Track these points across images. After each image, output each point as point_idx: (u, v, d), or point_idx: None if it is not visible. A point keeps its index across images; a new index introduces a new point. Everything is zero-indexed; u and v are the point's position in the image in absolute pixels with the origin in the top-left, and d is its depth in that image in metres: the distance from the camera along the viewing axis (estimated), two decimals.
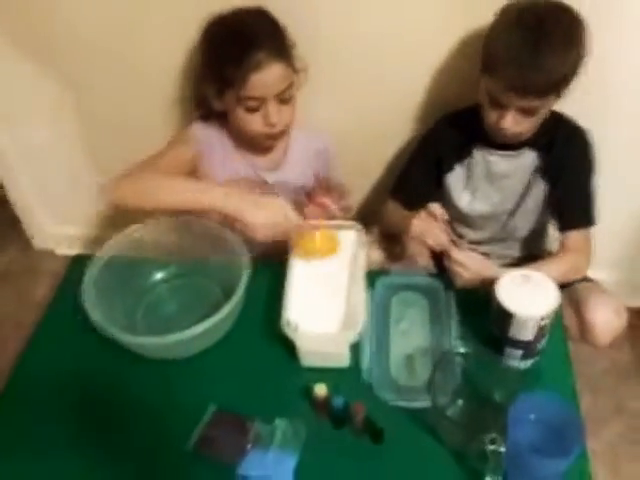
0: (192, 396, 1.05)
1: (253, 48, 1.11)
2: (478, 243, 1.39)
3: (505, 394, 0.95)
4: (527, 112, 1.13)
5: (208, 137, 1.27)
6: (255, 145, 1.28)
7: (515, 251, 1.41)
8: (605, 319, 1.21)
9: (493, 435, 0.87)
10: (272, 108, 1.16)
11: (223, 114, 1.25)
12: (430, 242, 1.11)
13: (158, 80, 1.42)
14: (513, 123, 1.14)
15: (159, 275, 1.23)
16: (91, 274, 1.10)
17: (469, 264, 1.12)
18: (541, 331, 1.00)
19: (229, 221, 1.09)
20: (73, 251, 1.88)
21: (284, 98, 1.17)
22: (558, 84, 1.10)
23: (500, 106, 1.13)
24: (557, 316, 1.03)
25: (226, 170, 1.29)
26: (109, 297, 1.10)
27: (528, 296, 1.00)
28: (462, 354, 0.99)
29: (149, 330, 1.14)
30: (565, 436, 0.85)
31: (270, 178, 1.33)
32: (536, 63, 1.06)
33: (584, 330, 1.23)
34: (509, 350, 1.04)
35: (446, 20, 1.27)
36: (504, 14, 1.13)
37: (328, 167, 1.41)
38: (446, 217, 1.16)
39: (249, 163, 1.31)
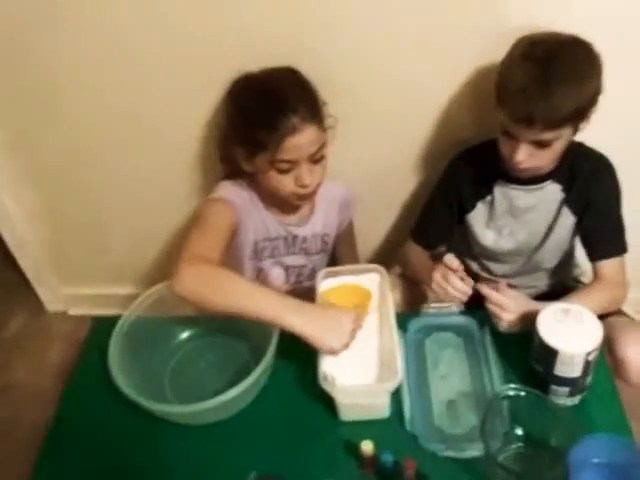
0: (230, 462, 1.00)
1: (287, 112, 1.10)
2: (505, 276, 1.36)
3: (559, 436, 0.91)
4: (540, 145, 1.10)
5: (242, 199, 1.24)
6: (285, 204, 1.26)
7: (543, 281, 1.38)
8: (637, 356, 1.16)
9: None
10: (305, 169, 1.15)
11: (249, 174, 1.23)
12: (457, 295, 1.11)
13: (179, 138, 1.41)
14: (526, 156, 1.11)
15: (185, 334, 1.20)
16: (116, 338, 1.08)
17: (508, 305, 1.09)
18: (588, 366, 0.97)
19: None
20: (86, 311, 1.85)
21: (316, 159, 1.16)
22: (568, 118, 1.07)
23: (513, 139, 1.12)
24: (600, 349, 0.99)
25: (258, 229, 1.28)
26: (135, 361, 1.08)
27: (571, 331, 0.97)
28: (509, 397, 0.95)
29: (178, 395, 1.10)
30: (632, 478, 0.81)
31: (299, 232, 1.32)
32: (543, 96, 1.03)
33: (616, 367, 1.18)
34: (555, 388, 1.00)
35: (457, 58, 1.27)
36: (516, 47, 1.12)
37: (350, 215, 1.41)
38: (462, 267, 1.14)
39: (279, 221, 1.29)
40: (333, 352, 1.00)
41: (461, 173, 1.30)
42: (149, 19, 1.23)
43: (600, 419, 1.01)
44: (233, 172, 1.26)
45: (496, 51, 1.16)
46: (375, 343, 1.10)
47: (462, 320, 1.17)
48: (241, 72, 1.19)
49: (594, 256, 1.23)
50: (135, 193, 1.56)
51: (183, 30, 1.24)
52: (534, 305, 1.10)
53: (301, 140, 1.11)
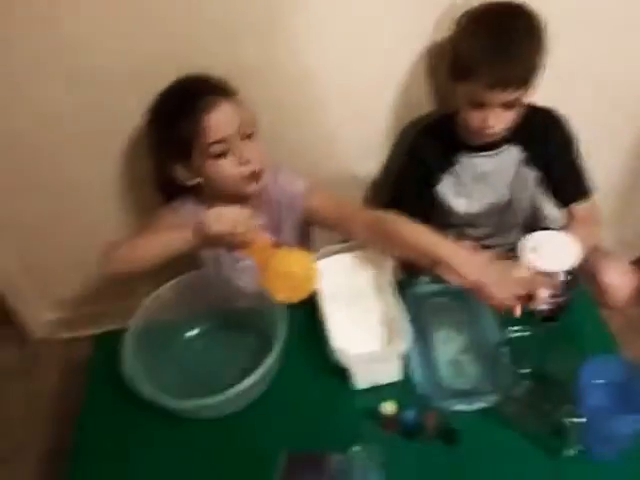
0: (260, 444, 1.04)
1: (197, 94, 1.13)
2: (481, 239, 1.43)
3: (561, 369, 0.99)
4: (508, 106, 1.18)
5: (188, 211, 1.25)
6: (239, 196, 1.22)
7: (517, 237, 1.44)
8: (619, 279, 1.27)
9: (568, 407, 0.89)
10: (240, 145, 1.15)
11: (193, 191, 1.24)
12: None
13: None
14: (497, 120, 1.19)
15: (192, 333, 1.23)
16: (127, 348, 1.09)
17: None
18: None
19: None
20: (73, 334, 1.83)
21: (247, 134, 1.16)
22: (533, 72, 1.16)
23: (483, 106, 1.18)
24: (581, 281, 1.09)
25: None
26: (148, 368, 1.08)
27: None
28: (512, 339, 1.02)
29: (194, 393, 1.10)
30: (635, 393, 0.88)
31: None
32: (512, 55, 1.12)
33: (600, 293, 1.29)
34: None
35: (400, 38, 1.33)
36: (463, 21, 1.20)
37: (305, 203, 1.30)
38: None
39: None
40: (209, 223, 1.03)
41: (424, 150, 1.36)
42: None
43: (593, 345, 1.08)
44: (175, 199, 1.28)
45: (444, 26, 1.24)
46: (378, 310, 1.15)
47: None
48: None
49: (566, 202, 1.33)
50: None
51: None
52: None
53: (220, 115, 1.12)
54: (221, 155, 1.15)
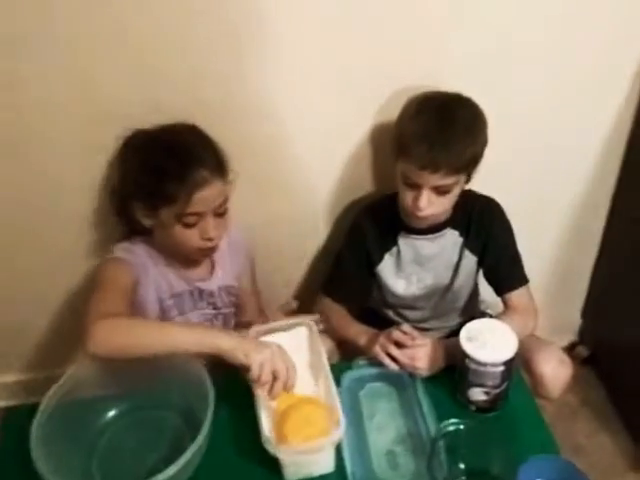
0: None
1: (198, 165, 1.11)
2: (419, 321, 1.42)
3: (498, 465, 0.96)
4: (440, 191, 1.19)
5: (138, 256, 1.22)
6: (187, 259, 1.26)
7: (455, 320, 1.46)
8: (554, 371, 1.27)
9: None
10: (210, 223, 1.15)
11: (146, 230, 1.21)
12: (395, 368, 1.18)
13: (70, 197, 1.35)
14: (428, 203, 1.20)
15: (110, 414, 1.13)
16: (37, 428, 0.98)
17: (418, 355, 1.16)
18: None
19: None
20: None
21: (221, 212, 1.17)
22: (467, 163, 1.19)
23: (415, 187, 1.20)
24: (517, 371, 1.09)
25: (160, 286, 1.25)
26: (60, 450, 0.99)
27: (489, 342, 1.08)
28: (449, 432, 0.99)
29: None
30: None
31: (205, 287, 1.30)
32: (444, 141, 1.14)
33: (535, 384, 1.28)
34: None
35: (356, 116, 1.35)
36: (410, 104, 1.24)
37: (251, 262, 1.40)
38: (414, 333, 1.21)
39: (181, 276, 1.27)
40: (248, 360, 1.00)
41: (365, 229, 1.36)
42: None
43: (530, 440, 1.07)
44: (130, 228, 1.25)
45: (391, 109, 1.27)
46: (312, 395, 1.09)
47: (392, 370, 1.19)
48: (131, 129, 1.19)
49: (501, 290, 1.34)
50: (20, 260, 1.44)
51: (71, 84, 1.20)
52: (444, 343, 1.19)
53: (210, 193, 1.12)
54: (190, 225, 1.14)
